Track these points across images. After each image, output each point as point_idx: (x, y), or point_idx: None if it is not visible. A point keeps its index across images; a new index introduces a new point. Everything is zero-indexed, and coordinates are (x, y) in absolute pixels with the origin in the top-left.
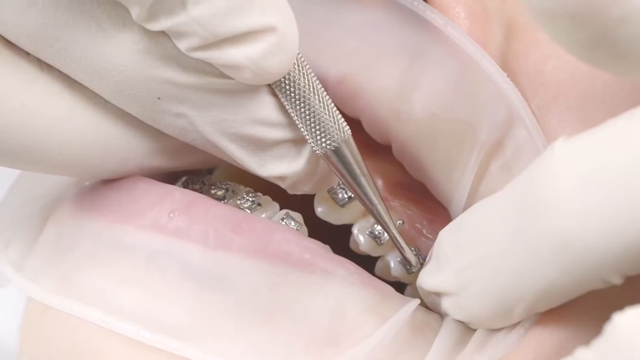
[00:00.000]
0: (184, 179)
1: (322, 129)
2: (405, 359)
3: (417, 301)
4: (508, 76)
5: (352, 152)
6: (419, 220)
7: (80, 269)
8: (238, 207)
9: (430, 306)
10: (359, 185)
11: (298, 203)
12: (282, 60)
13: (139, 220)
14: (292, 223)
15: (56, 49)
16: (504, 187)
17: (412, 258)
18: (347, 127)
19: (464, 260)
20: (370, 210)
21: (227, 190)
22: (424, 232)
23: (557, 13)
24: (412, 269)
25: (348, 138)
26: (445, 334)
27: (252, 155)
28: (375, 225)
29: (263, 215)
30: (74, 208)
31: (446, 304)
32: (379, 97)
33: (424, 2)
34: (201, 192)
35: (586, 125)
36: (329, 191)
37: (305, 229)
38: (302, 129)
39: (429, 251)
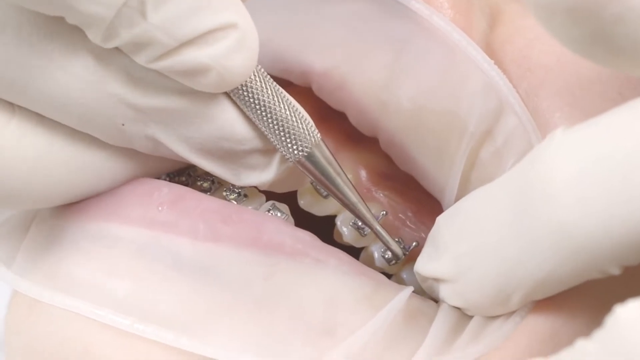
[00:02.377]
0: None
1: (291, 137)
2: (401, 347)
3: (411, 289)
4: (494, 63)
5: (324, 155)
6: (402, 211)
7: (68, 263)
8: (224, 198)
9: (428, 291)
10: (336, 186)
11: (281, 194)
12: (246, 58)
13: (127, 214)
14: (279, 214)
15: (17, 90)
16: (496, 173)
17: (398, 251)
18: (316, 130)
19: (462, 247)
20: (350, 209)
21: (212, 182)
22: (408, 222)
23: (556, 9)
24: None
25: (319, 142)
26: (441, 322)
27: (225, 168)
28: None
29: (250, 207)
30: (62, 206)
31: (444, 291)
32: (365, 89)
33: None
34: (187, 185)
35: (576, 108)
36: (312, 182)
37: (292, 219)
38: (271, 139)
39: (412, 241)
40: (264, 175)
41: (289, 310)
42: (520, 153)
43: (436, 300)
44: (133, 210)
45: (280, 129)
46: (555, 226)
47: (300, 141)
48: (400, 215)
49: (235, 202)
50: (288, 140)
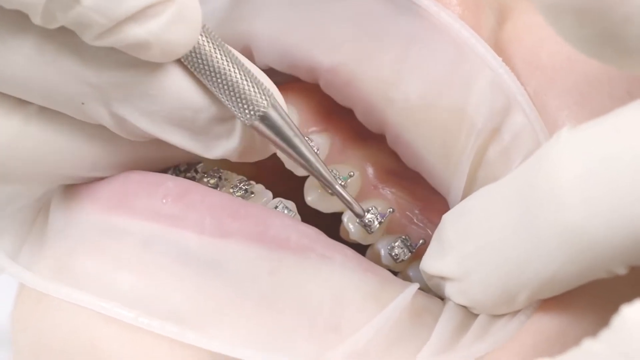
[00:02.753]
0: (176, 167)
1: (245, 100)
2: (406, 344)
3: (417, 286)
4: (503, 61)
5: (281, 116)
6: (409, 208)
7: (75, 256)
8: (231, 195)
9: (433, 289)
10: (294, 147)
11: (287, 191)
12: (186, 30)
13: (133, 206)
14: (286, 211)
15: None
16: (503, 172)
17: (360, 211)
18: (272, 92)
19: (468, 246)
20: (310, 171)
21: (219, 178)
22: (415, 220)
23: (564, 9)
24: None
25: (274, 103)
26: (446, 320)
27: (195, 141)
28: (366, 214)
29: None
30: (67, 198)
31: (449, 289)
32: (373, 86)
33: None
34: (193, 180)
35: (585, 108)
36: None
37: (298, 216)
38: (227, 103)
39: (419, 239)
40: (230, 143)
41: (294, 306)
42: (528, 151)
43: (442, 298)
44: (139, 203)
45: (233, 92)
46: (561, 226)
47: (254, 103)
48: (407, 212)
49: (241, 199)
50: (242, 103)
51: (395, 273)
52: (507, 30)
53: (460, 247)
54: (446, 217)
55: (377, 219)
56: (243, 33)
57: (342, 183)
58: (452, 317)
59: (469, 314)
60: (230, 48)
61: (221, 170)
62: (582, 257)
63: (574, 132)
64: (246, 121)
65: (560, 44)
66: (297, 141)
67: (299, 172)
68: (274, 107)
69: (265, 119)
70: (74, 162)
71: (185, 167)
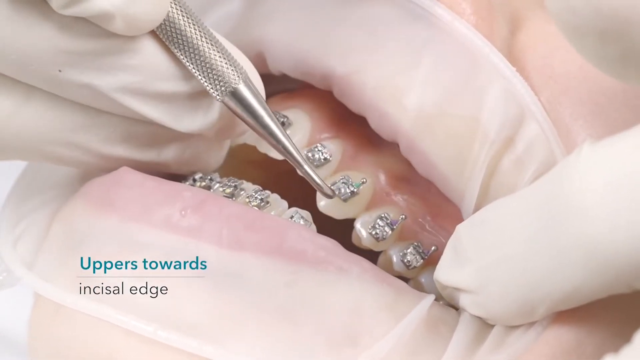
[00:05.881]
0: (191, 177)
1: (216, 75)
2: (423, 356)
3: (432, 297)
4: (516, 70)
5: (252, 92)
6: (421, 215)
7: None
8: (246, 204)
9: (447, 299)
10: (263, 125)
11: (299, 198)
12: (152, 5)
13: (151, 218)
14: (302, 221)
15: None
16: (517, 181)
17: (329, 192)
18: (245, 69)
19: (485, 259)
20: (280, 150)
21: (235, 187)
22: (427, 227)
23: (587, 29)
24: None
25: (245, 79)
26: (463, 331)
27: (168, 114)
28: (378, 220)
29: (272, 213)
30: (83, 204)
31: (464, 301)
32: (386, 94)
33: None
34: (208, 190)
35: (599, 117)
36: (331, 185)
37: (314, 226)
38: (199, 77)
39: (431, 246)
40: (207, 118)
41: (312, 319)
42: (542, 161)
43: (456, 308)
44: (158, 214)
45: (205, 67)
46: (584, 239)
47: (225, 78)
48: (419, 219)
49: (257, 209)
50: (213, 78)
51: (407, 280)
52: (520, 39)
53: (477, 259)
54: (461, 228)
55: (389, 225)
56: (256, 40)
57: (354, 190)
58: (468, 328)
59: (484, 325)
60: (205, 24)
61: (236, 180)
62: (605, 270)
63: (596, 147)
64: (217, 96)
65: (573, 54)
66: (266, 119)
67: (273, 154)
68: (245, 83)
69: (236, 93)
70: (58, 139)
71: (201, 175)
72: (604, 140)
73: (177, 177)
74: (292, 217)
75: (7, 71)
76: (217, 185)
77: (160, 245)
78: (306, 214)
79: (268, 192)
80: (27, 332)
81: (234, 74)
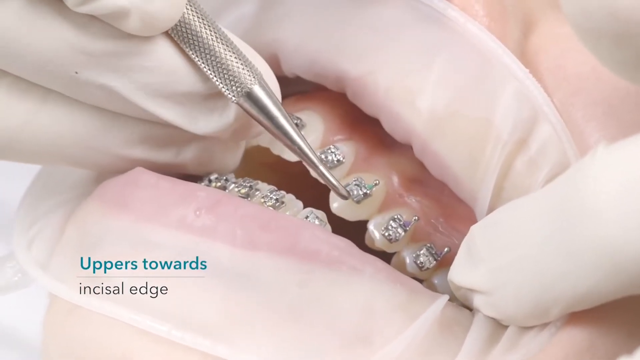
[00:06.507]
0: (207, 178)
1: (231, 76)
2: (437, 357)
3: (446, 297)
4: (529, 72)
5: (267, 93)
6: (434, 217)
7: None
8: (262, 205)
9: (461, 299)
10: (279, 126)
11: (312, 200)
12: (168, 4)
13: (165, 218)
14: (317, 221)
15: None
16: (530, 182)
17: (345, 193)
18: (260, 70)
19: (499, 260)
20: (295, 151)
21: (250, 188)
22: (440, 228)
23: (602, 33)
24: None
25: (260, 80)
26: (476, 332)
27: (184, 116)
28: (391, 222)
29: (287, 213)
30: (97, 206)
31: (478, 301)
32: (399, 96)
33: (444, 0)
34: (224, 190)
35: (612, 118)
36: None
37: (329, 226)
38: (214, 79)
39: (444, 247)
40: (222, 119)
41: (324, 319)
42: (555, 162)
43: (470, 308)
44: (172, 214)
45: (220, 69)
46: (599, 241)
47: (240, 81)
48: (432, 220)
49: (272, 209)
50: (228, 80)
51: (420, 281)
52: (533, 41)
53: (491, 260)
54: (475, 229)
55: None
56: (269, 42)
57: (367, 192)
58: (482, 329)
59: (498, 326)
60: (219, 25)
61: (252, 180)
62: (619, 272)
63: (611, 150)
64: (232, 98)
65: (586, 55)
66: (282, 121)
67: (287, 155)
68: (260, 84)
69: (251, 96)
70: (76, 142)
71: (216, 176)
72: (618, 142)
73: (193, 177)
74: (307, 217)
75: (23, 73)
76: (233, 185)
77: (172, 246)
78: (321, 214)
79: (283, 192)
80: (41, 333)
81: (248, 75)
